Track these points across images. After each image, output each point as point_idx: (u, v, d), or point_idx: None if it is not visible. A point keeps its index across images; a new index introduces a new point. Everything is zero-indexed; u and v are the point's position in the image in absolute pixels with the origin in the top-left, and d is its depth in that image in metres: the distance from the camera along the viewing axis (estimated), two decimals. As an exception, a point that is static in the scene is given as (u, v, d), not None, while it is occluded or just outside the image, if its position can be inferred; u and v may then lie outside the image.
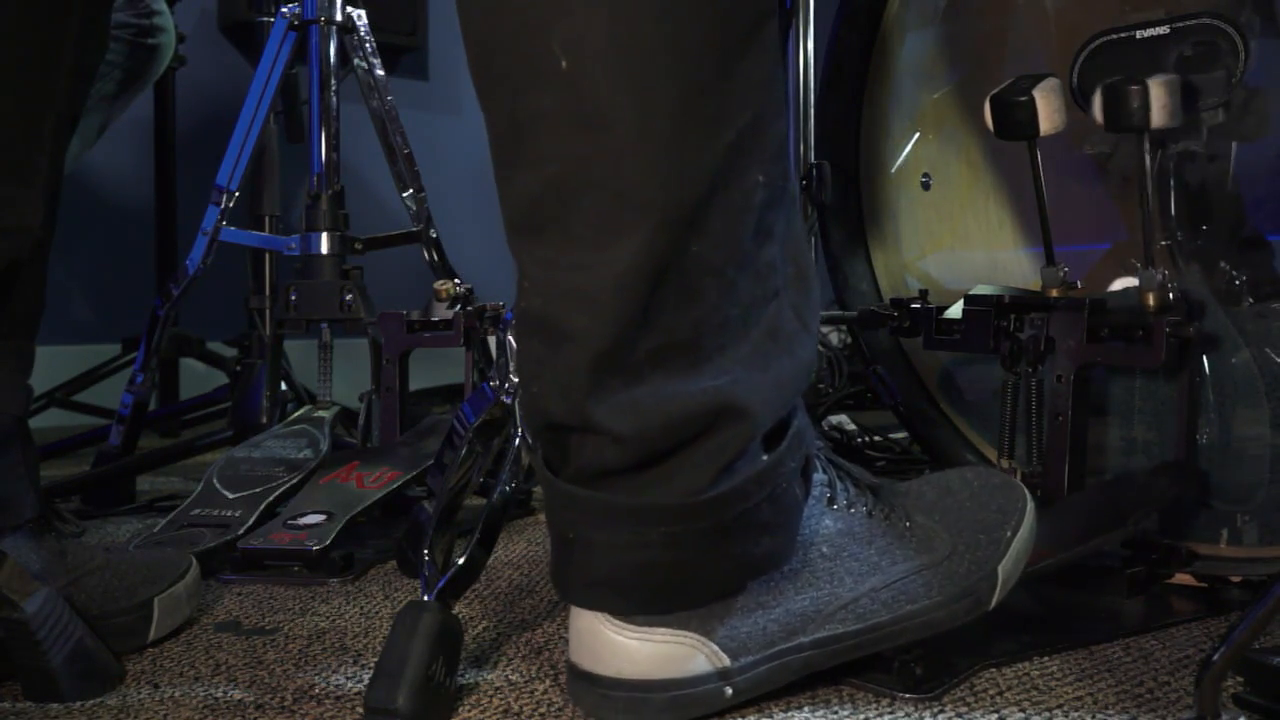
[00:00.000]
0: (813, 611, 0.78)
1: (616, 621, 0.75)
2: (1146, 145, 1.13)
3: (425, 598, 0.82)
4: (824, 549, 0.79)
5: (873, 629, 0.80)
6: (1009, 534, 0.84)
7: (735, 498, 0.73)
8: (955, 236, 1.51)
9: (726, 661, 0.76)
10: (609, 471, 0.72)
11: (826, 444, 0.86)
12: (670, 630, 0.75)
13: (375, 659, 0.84)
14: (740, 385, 0.71)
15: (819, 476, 0.81)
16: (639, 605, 0.75)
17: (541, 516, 1.44)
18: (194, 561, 1.05)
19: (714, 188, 0.68)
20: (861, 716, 0.79)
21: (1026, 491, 0.87)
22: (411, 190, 1.74)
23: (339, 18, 1.68)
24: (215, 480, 1.33)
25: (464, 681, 0.87)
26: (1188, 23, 1.17)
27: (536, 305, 0.72)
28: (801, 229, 0.79)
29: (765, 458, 0.74)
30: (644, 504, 0.72)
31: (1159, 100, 1.10)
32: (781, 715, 0.79)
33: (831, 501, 0.81)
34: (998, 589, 0.84)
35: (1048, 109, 1.16)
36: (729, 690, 0.77)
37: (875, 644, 0.81)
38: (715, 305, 0.70)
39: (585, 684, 0.77)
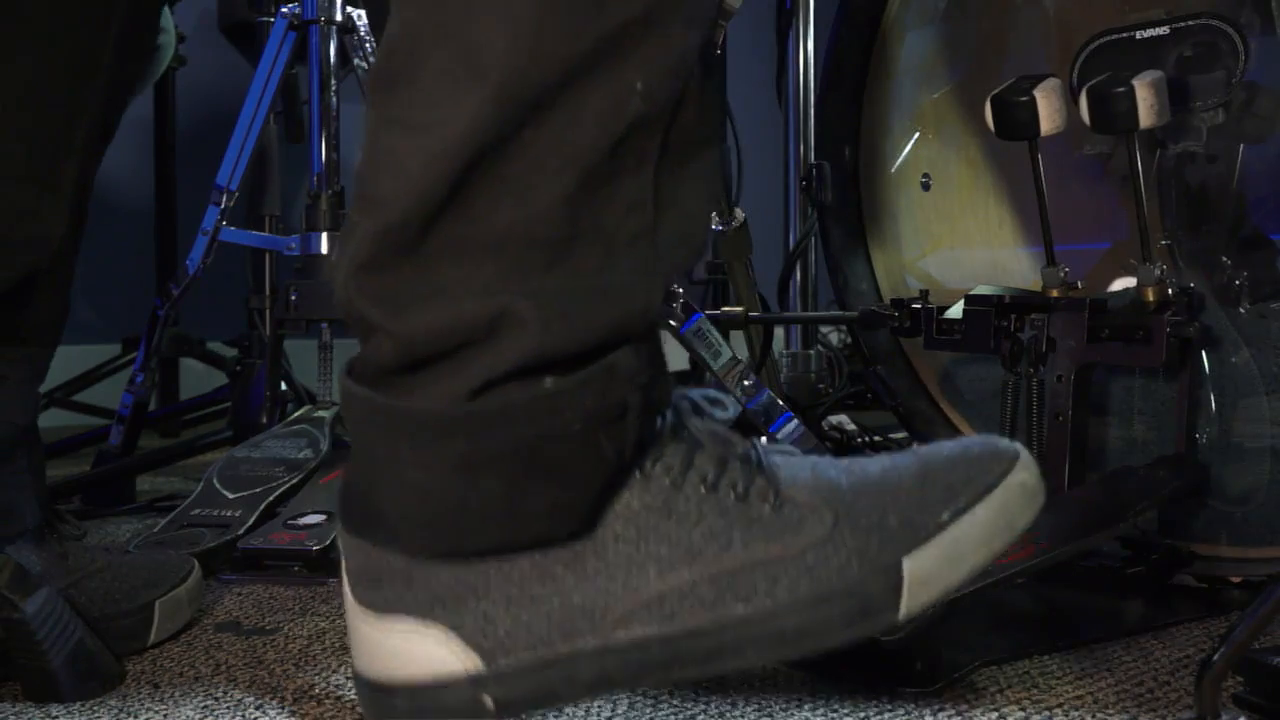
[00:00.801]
0: (600, 607, 0.62)
1: (362, 607, 0.66)
2: (1136, 145, 1.13)
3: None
4: (619, 528, 0.63)
5: (687, 634, 0.63)
6: (946, 516, 0.63)
7: (500, 418, 0.60)
8: (955, 236, 1.50)
9: (478, 664, 0.63)
10: (384, 369, 0.62)
11: (691, 401, 0.68)
12: (413, 620, 0.64)
13: (375, 659, 0.84)
14: (530, 298, 0.60)
15: (649, 441, 0.65)
16: (389, 536, 0.64)
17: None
18: (196, 565, 1.05)
19: (570, 75, 0.59)
20: (861, 714, 0.79)
21: (1022, 456, 0.66)
22: (411, 190, 1.74)
23: (339, 18, 1.68)
24: (215, 480, 1.33)
25: None
26: (1187, 23, 1.17)
27: (359, 166, 0.63)
28: (707, 198, 0.67)
29: (548, 382, 0.61)
30: (399, 408, 0.61)
31: (1146, 100, 1.09)
32: (781, 712, 0.79)
33: (644, 470, 0.64)
34: (904, 591, 0.63)
35: (1048, 109, 1.15)
36: (488, 700, 0.63)
37: (698, 657, 0.63)
38: (538, 213, 0.60)
39: (357, 681, 0.69)
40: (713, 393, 0.69)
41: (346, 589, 0.68)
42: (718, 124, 0.69)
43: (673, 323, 1.41)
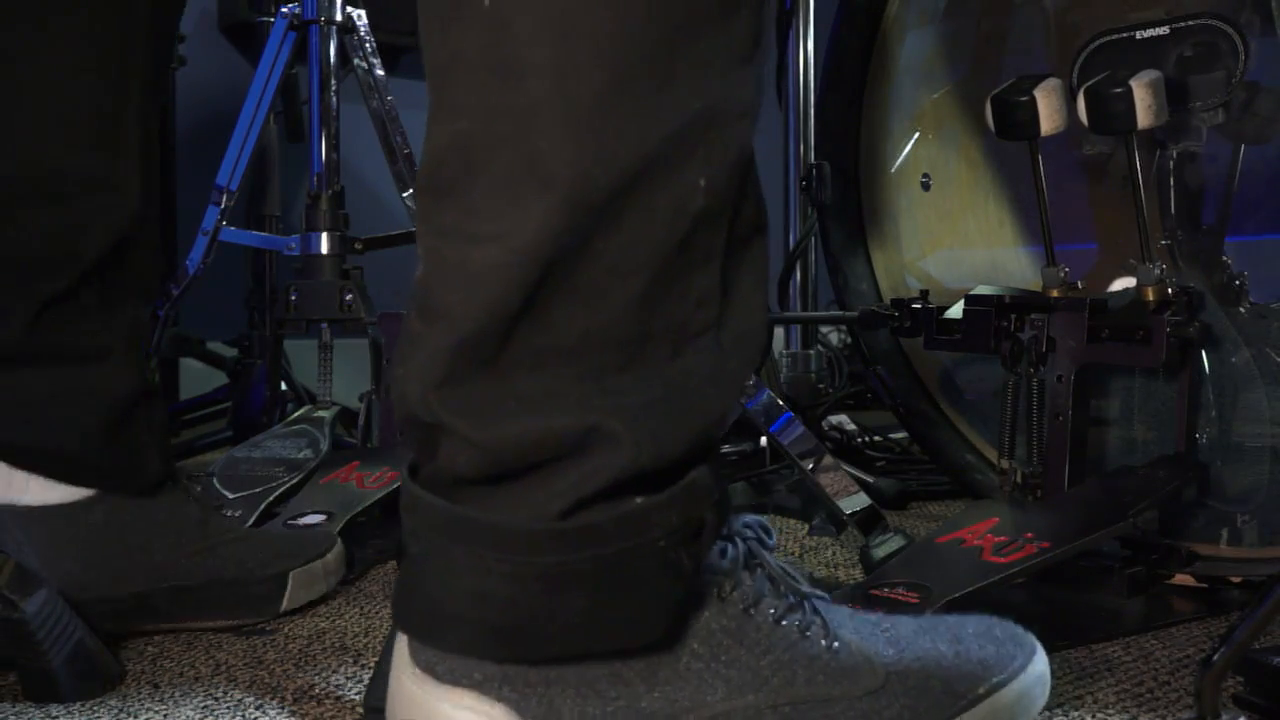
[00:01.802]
0: (666, 715, 0.64)
1: (419, 670, 0.66)
2: (1135, 145, 1.13)
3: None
4: (696, 645, 0.65)
5: None
6: (982, 690, 0.69)
7: (589, 536, 0.61)
8: (955, 236, 1.51)
9: None
10: (461, 480, 0.63)
11: (757, 532, 0.70)
12: (475, 695, 0.64)
13: (375, 659, 0.84)
14: (619, 414, 0.61)
15: (717, 558, 0.67)
16: (465, 644, 0.64)
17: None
18: (338, 541, 1.10)
19: (637, 179, 0.58)
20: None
21: (1039, 649, 0.73)
22: (411, 190, 1.74)
23: (339, 18, 1.68)
24: (215, 480, 1.33)
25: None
26: (1188, 23, 1.17)
27: (422, 278, 0.63)
28: (764, 281, 0.67)
29: (638, 500, 0.62)
30: (486, 521, 0.62)
31: (1144, 101, 1.09)
32: None
33: (723, 595, 0.66)
34: None
35: (1048, 109, 1.16)
36: None
37: None
38: (613, 319, 0.60)
39: None
40: (764, 521, 0.72)
41: (402, 646, 0.67)
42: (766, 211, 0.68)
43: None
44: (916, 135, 1.53)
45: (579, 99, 0.57)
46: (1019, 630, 0.74)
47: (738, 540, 0.69)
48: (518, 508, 0.62)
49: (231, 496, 1.30)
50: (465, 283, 0.60)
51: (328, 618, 1.05)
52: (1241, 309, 1.17)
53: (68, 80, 0.92)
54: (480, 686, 0.64)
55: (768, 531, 0.71)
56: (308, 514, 1.23)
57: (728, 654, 0.66)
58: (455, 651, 0.64)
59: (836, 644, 0.68)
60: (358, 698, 0.84)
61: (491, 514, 0.62)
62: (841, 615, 0.71)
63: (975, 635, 0.72)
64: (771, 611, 0.67)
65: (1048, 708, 0.81)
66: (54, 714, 0.82)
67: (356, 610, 1.08)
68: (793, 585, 0.69)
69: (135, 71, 0.94)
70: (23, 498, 0.92)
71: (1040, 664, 0.72)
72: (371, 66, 1.71)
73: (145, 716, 0.82)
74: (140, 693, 0.86)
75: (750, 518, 0.71)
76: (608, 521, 0.61)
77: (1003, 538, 0.99)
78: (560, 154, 0.57)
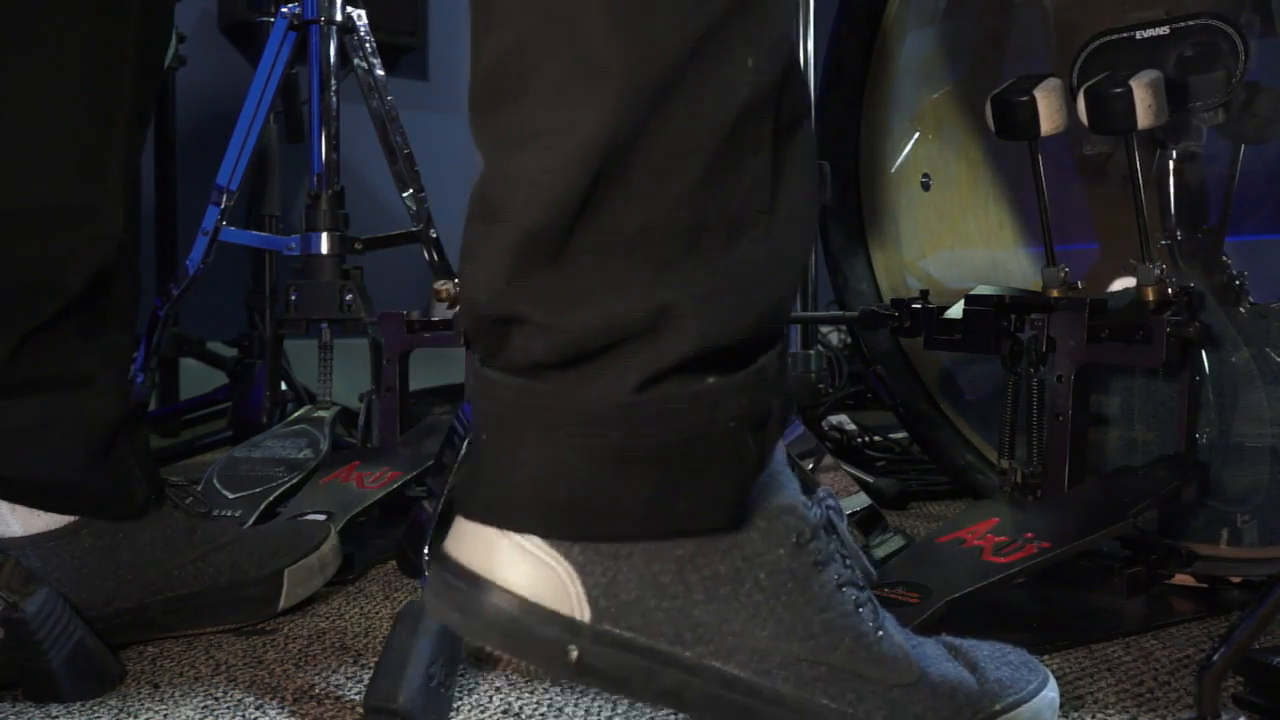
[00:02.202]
0: (713, 630, 0.66)
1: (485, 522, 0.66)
2: (1135, 145, 1.13)
3: (425, 597, 0.82)
4: (763, 577, 0.67)
5: (770, 696, 0.66)
6: (998, 707, 0.71)
7: (659, 412, 0.63)
8: (955, 236, 1.51)
9: (586, 615, 0.64)
10: (536, 364, 0.63)
11: (838, 506, 0.72)
12: (545, 544, 0.64)
13: (375, 659, 0.84)
14: (687, 296, 0.62)
15: (804, 508, 0.69)
16: (540, 524, 0.65)
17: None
18: (331, 531, 1.10)
19: (685, 66, 0.60)
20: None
21: (1051, 677, 0.75)
22: (411, 190, 1.74)
23: (339, 18, 1.68)
24: (215, 480, 1.33)
25: (464, 681, 0.87)
26: (1188, 23, 1.17)
27: (482, 186, 0.64)
28: (813, 167, 0.69)
29: (710, 379, 0.64)
30: (558, 398, 0.63)
31: (1143, 101, 1.09)
32: None
33: (801, 541, 0.68)
34: None
35: (1048, 109, 1.16)
36: (574, 652, 0.65)
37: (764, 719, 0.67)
38: (671, 208, 0.62)
39: (438, 564, 0.67)
40: (840, 502, 0.74)
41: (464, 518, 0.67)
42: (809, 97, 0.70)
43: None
44: (916, 135, 1.53)
45: None
46: (1031, 657, 0.76)
47: (821, 504, 0.71)
48: (593, 386, 0.63)
49: (231, 496, 1.30)
50: (525, 183, 0.61)
51: (328, 618, 1.05)
52: (1241, 309, 1.17)
53: (53, 112, 0.92)
54: (549, 535, 0.64)
55: (842, 513, 0.73)
56: (308, 514, 1.22)
57: (788, 596, 0.67)
58: (523, 530, 0.64)
59: (882, 632, 0.70)
60: (358, 698, 0.84)
61: (566, 391, 0.63)
62: (890, 616, 0.73)
63: (991, 659, 0.75)
64: (836, 576, 0.69)
65: (1048, 708, 0.81)
66: (54, 714, 0.82)
67: (356, 610, 1.08)
68: (862, 565, 0.73)
69: (121, 103, 0.94)
70: (7, 530, 0.91)
71: (1052, 691, 0.74)
72: (371, 66, 1.71)
73: (145, 716, 0.82)
74: (140, 693, 0.86)
75: (830, 493, 0.73)
76: (681, 397, 0.63)
77: (1003, 538, 0.99)
78: (609, 49, 0.59)
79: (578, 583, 0.64)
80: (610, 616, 0.65)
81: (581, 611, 0.65)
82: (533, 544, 0.65)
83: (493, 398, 0.65)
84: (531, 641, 0.65)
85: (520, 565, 0.65)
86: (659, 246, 0.62)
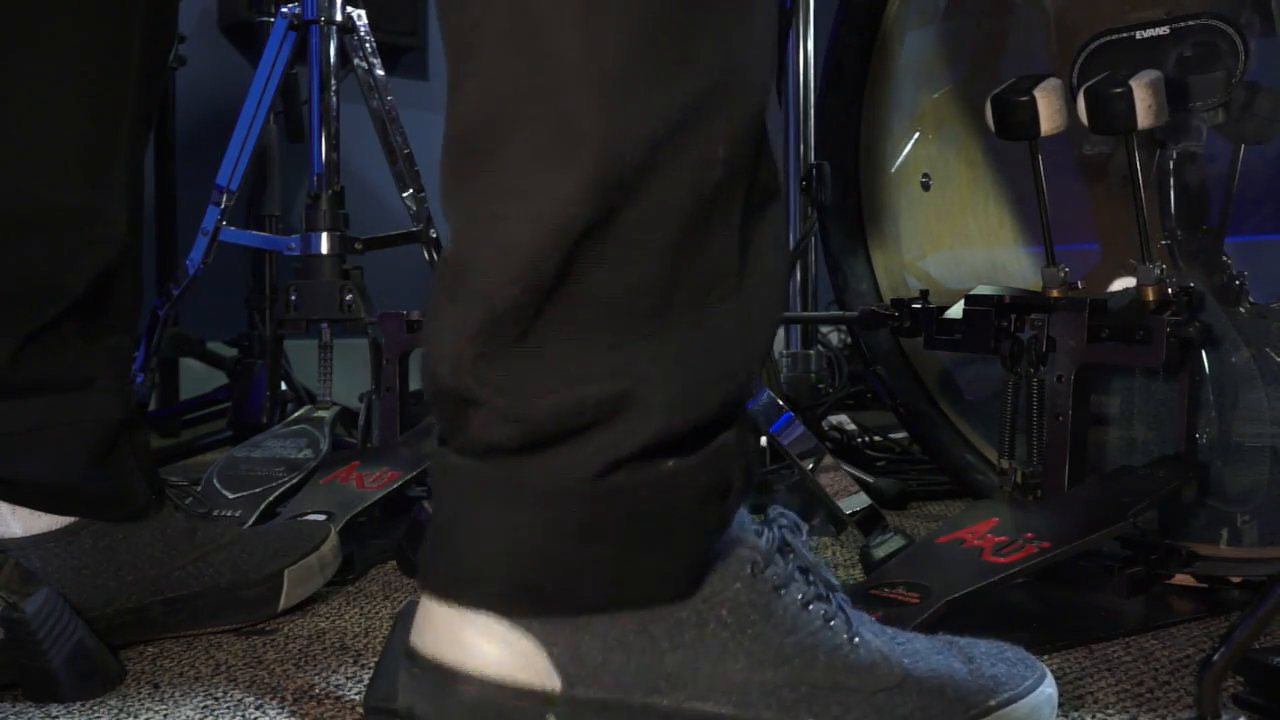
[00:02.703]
0: (686, 676, 0.66)
1: (445, 600, 0.67)
2: (1135, 145, 1.13)
3: (425, 598, 0.82)
4: (725, 614, 0.67)
5: None
6: (993, 703, 0.71)
7: (620, 494, 0.63)
8: (955, 236, 1.51)
9: (556, 685, 0.65)
10: (496, 449, 0.64)
11: (791, 522, 0.73)
12: (505, 625, 0.65)
13: (375, 659, 0.84)
14: (652, 379, 0.63)
15: (754, 537, 0.69)
16: (498, 599, 0.65)
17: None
18: (332, 531, 1.10)
19: (662, 144, 0.60)
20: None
21: (1048, 674, 0.75)
22: (411, 190, 1.74)
23: (339, 18, 1.68)
24: (215, 480, 1.33)
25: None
26: (1187, 23, 1.17)
27: (452, 255, 0.64)
28: (782, 243, 0.70)
29: (669, 463, 0.64)
30: (518, 480, 0.64)
31: (1143, 101, 1.09)
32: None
33: (756, 571, 0.68)
34: None
35: (1048, 109, 1.16)
36: None
37: None
38: (639, 285, 0.62)
39: (407, 660, 0.68)
40: (796, 517, 0.74)
41: (427, 596, 0.68)
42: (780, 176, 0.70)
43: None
44: (916, 135, 1.53)
45: (607, 63, 0.59)
46: (1028, 654, 0.76)
47: (774, 526, 0.71)
48: (552, 471, 0.63)
49: (231, 496, 1.30)
50: (496, 257, 0.61)
51: (328, 618, 1.05)
52: (1241, 309, 1.17)
53: (57, 114, 0.92)
54: (508, 616, 0.65)
55: (799, 527, 0.73)
56: (308, 514, 1.22)
57: (754, 628, 0.67)
58: (484, 608, 0.65)
59: (857, 639, 0.69)
60: (358, 698, 0.84)
61: (526, 475, 0.64)
62: (862, 617, 0.73)
63: (987, 655, 0.74)
64: (800, 595, 0.69)
65: (1048, 708, 0.81)
66: (54, 714, 0.82)
67: (356, 610, 1.08)
68: (822, 577, 0.72)
69: (124, 104, 0.94)
70: (8, 531, 0.91)
71: (1050, 687, 0.74)
72: (371, 66, 1.71)
73: (145, 716, 0.82)
74: (140, 693, 0.86)
75: (784, 510, 0.73)
76: (640, 483, 0.64)
77: (1003, 538, 0.99)
78: (590, 119, 0.59)
79: (543, 654, 0.65)
80: (581, 680, 0.65)
81: (552, 681, 0.65)
82: (494, 624, 0.65)
83: (451, 479, 0.66)
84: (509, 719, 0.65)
85: (485, 647, 0.65)
86: (626, 325, 0.63)
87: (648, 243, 0.62)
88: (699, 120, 0.61)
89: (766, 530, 0.70)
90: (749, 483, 0.69)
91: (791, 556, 0.71)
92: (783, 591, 0.68)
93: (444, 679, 0.66)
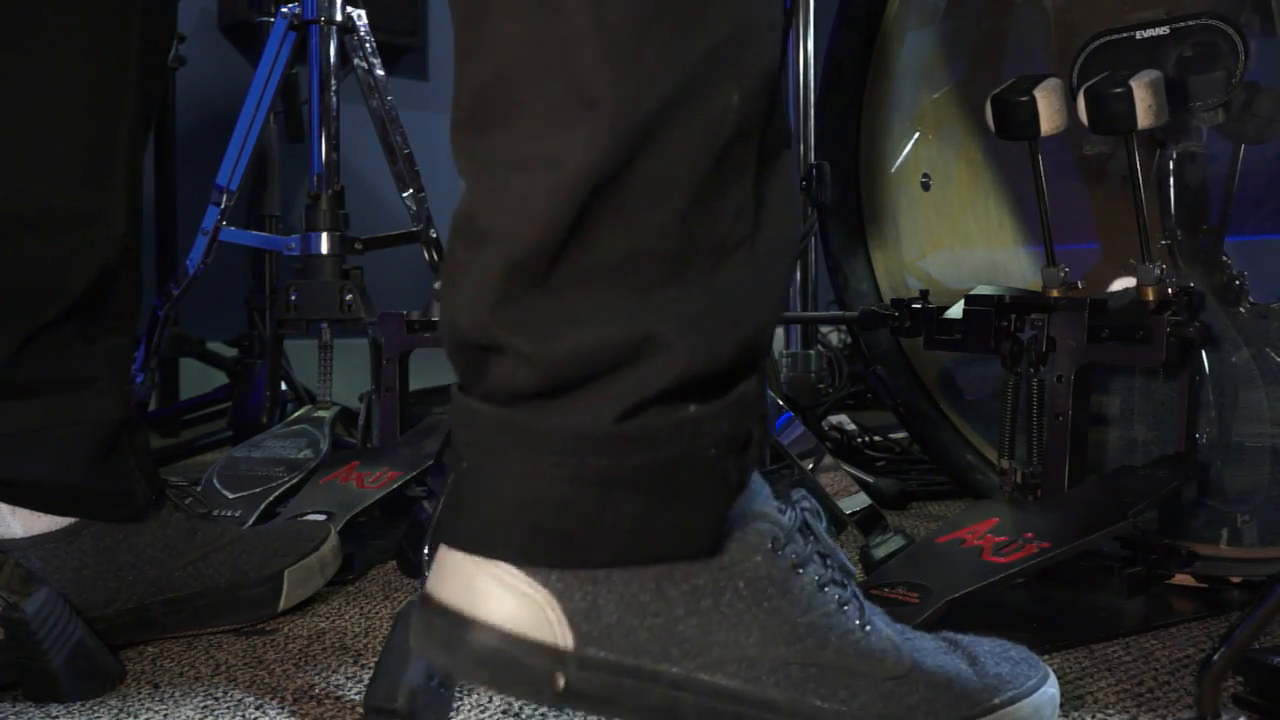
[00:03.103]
0: (698, 643, 0.66)
1: (462, 550, 0.66)
2: (1135, 145, 1.13)
3: (425, 597, 0.82)
4: (742, 586, 0.67)
5: (762, 702, 0.66)
6: (998, 700, 0.71)
7: (642, 440, 0.63)
8: (955, 236, 1.51)
9: (570, 643, 0.64)
10: (519, 394, 0.64)
11: (814, 506, 0.73)
12: (521, 574, 0.64)
13: (375, 659, 0.84)
14: (672, 324, 0.63)
15: (777, 513, 0.70)
16: (522, 552, 0.65)
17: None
18: (332, 532, 1.10)
19: (675, 99, 0.61)
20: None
21: (1051, 674, 0.75)
22: (411, 190, 1.74)
23: (339, 18, 1.68)
24: (215, 480, 1.33)
25: (464, 681, 0.87)
26: (1188, 23, 1.17)
27: (467, 208, 0.64)
28: (795, 191, 0.70)
29: (692, 408, 0.64)
30: (543, 426, 0.63)
31: (1144, 101, 1.09)
32: None
33: (776, 547, 0.68)
34: None
35: (1048, 109, 1.16)
36: (560, 680, 0.65)
37: None
38: (657, 235, 0.63)
39: (420, 604, 0.68)
40: (816, 504, 0.75)
41: (445, 546, 0.68)
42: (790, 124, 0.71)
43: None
44: (916, 135, 1.53)
45: (618, 22, 0.60)
46: (1031, 654, 0.76)
47: (796, 507, 0.71)
48: (575, 414, 0.63)
49: (231, 496, 1.30)
50: (513, 208, 0.62)
51: (328, 618, 1.05)
52: (1241, 309, 1.17)
53: (56, 115, 0.92)
54: (525, 565, 0.64)
55: (818, 513, 0.73)
56: (308, 514, 1.22)
57: (769, 602, 0.67)
58: (504, 559, 0.65)
59: (869, 627, 0.70)
60: (358, 698, 0.84)
61: (549, 419, 0.63)
62: (875, 608, 0.73)
63: (991, 654, 0.75)
64: (817, 577, 0.69)
65: (1048, 708, 0.81)
66: (54, 714, 0.82)
67: (356, 610, 1.08)
68: (839, 562, 0.72)
69: (124, 105, 0.94)
70: (8, 532, 0.91)
71: (1053, 687, 0.74)
72: (371, 66, 1.71)
73: (145, 716, 0.82)
74: (140, 693, 0.86)
75: (806, 494, 0.73)
76: (663, 426, 0.63)
77: (1003, 538, 0.99)
78: (602, 77, 0.60)
79: (558, 609, 0.65)
80: (594, 640, 0.65)
81: (564, 638, 0.65)
82: (511, 575, 0.65)
83: (473, 427, 0.65)
84: (517, 673, 0.65)
85: (500, 598, 0.65)
86: (645, 272, 0.63)
87: (665, 191, 0.62)
88: (712, 73, 0.62)
89: (790, 510, 0.71)
90: (765, 439, 0.69)
91: (812, 538, 0.71)
92: (800, 571, 0.69)
93: (458, 626, 0.65)
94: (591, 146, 0.60)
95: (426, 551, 0.86)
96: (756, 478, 0.70)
